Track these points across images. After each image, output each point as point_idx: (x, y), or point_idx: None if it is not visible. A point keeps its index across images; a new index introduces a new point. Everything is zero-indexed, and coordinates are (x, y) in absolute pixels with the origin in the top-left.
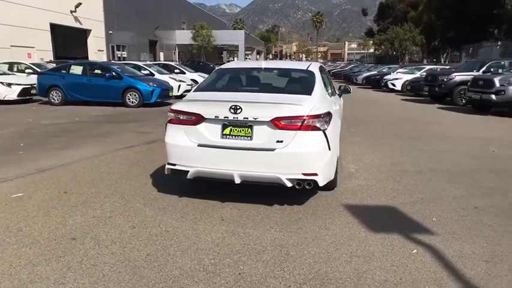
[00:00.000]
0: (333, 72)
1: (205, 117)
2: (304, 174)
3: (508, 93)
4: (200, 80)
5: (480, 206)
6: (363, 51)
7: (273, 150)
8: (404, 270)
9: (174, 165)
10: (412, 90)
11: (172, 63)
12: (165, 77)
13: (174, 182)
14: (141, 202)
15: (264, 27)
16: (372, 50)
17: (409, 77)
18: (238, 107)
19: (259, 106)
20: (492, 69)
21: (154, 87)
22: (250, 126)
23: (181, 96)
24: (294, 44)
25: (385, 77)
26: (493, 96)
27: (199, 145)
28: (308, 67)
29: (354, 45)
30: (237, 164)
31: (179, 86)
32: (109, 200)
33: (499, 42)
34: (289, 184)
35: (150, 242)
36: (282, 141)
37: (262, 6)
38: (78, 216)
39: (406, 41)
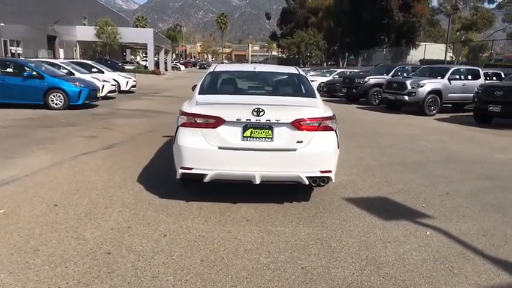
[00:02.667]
0: None
1: (226, 120)
2: (321, 172)
3: (418, 95)
4: (121, 79)
5: (449, 191)
6: (267, 54)
7: (294, 150)
8: (432, 249)
9: (191, 169)
10: (328, 91)
11: (90, 62)
12: (86, 77)
13: (167, 187)
14: (151, 210)
15: (164, 25)
16: (275, 53)
17: (323, 79)
18: (261, 110)
19: (280, 109)
20: (399, 73)
21: (81, 87)
22: (271, 128)
23: (105, 98)
24: (198, 44)
25: None
26: (406, 97)
27: (220, 148)
28: (298, 71)
29: (256, 48)
30: (258, 165)
31: (103, 86)
32: (114, 211)
33: (389, 48)
34: (307, 182)
35: (194, 248)
36: (301, 142)
37: (162, 4)
38: (92, 229)
39: (311, 45)
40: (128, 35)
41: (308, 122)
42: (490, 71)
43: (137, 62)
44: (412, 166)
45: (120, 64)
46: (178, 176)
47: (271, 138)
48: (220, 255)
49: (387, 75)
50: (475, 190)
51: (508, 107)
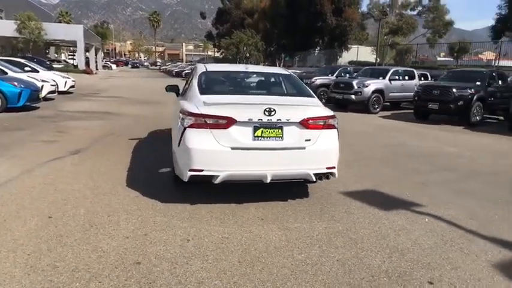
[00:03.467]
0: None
1: (238, 120)
2: (327, 168)
3: (364, 94)
4: (59, 79)
5: (424, 182)
6: (202, 53)
7: (304, 148)
8: (438, 234)
9: (201, 171)
10: None
11: (22, 60)
12: (22, 76)
13: (163, 191)
14: (159, 215)
15: (89, 22)
16: (211, 53)
17: None
18: (272, 109)
19: (290, 108)
20: (342, 74)
21: (22, 88)
22: (281, 128)
23: (44, 99)
24: (128, 42)
25: None
26: (353, 97)
27: (233, 148)
28: (287, 71)
29: (190, 47)
30: (269, 164)
31: (42, 86)
32: (120, 219)
33: (323, 51)
34: (314, 178)
35: (224, 250)
36: (309, 140)
37: None
38: (107, 239)
39: (250, 46)
40: (54, 31)
41: (316, 121)
42: (418, 72)
43: (65, 61)
44: (381, 161)
45: (48, 63)
46: (185, 179)
47: (281, 137)
48: (254, 255)
49: (331, 75)
50: (443, 180)
51: (444, 105)
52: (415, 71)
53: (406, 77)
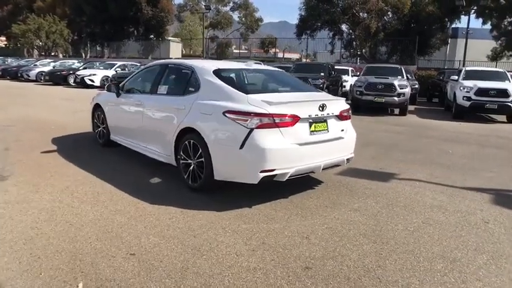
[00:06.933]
0: None
1: (301, 117)
2: (351, 153)
3: None
4: None
5: (373, 156)
6: None
7: (342, 138)
8: (438, 191)
9: (273, 170)
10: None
11: None
12: None
13: (210, 201)
14: (243, 223)
15: None
16: None
17: (105, 72)
18: (324, 105)
19: (331, 103)
20: None
21: None
22: (326, 121)
23: None
24: None
25: (79, 73)
26: None
27: (300, 144)
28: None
29: None
30: (322, 155)
31: None
32: (216, 238)
33: (141, 42)
34: (346, 163)
35: (348, 236)
36: (343, 130)
37: None
38: (238, 258)
39: (53, 34)
40: None
41: (345, 112)
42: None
43: None
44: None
45: None
46: (256, 181)
47: (327, 129)
48: (373, 234)
49: None
50: (379, 153)
51: None
52: (262, 63)
53: None
